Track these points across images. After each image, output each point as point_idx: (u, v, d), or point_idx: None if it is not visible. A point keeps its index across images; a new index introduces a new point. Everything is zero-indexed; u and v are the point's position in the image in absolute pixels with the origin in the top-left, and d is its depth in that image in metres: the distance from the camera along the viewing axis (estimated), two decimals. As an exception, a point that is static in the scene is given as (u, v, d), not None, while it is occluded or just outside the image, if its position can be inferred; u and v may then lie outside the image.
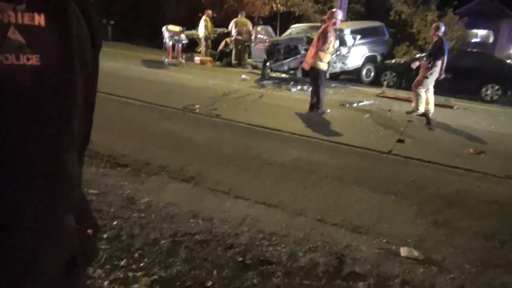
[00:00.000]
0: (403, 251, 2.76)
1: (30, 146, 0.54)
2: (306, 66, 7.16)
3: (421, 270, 2.57)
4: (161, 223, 2.84)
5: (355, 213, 3.38)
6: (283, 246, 2.69)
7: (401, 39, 16.78)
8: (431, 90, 7.64)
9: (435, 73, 7.42)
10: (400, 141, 5.84)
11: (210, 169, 4.04)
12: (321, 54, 6.87)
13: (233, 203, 3.36)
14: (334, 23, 6.95)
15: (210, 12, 14.22)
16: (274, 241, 2.74)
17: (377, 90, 10.35)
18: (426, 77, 7.45)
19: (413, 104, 7.81)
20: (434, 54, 7.41)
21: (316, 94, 7.14)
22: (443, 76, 7.55)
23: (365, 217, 3.31)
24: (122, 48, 14.37)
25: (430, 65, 7.39)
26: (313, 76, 7.15)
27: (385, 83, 12.04)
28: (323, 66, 7.02)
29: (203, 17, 13.88)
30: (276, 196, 3.58)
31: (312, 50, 7.04)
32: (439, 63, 7.35)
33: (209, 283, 2.20)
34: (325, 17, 7.45)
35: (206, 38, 14.10)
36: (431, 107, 7.65)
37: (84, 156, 0.80)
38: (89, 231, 0.74)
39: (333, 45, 7.27)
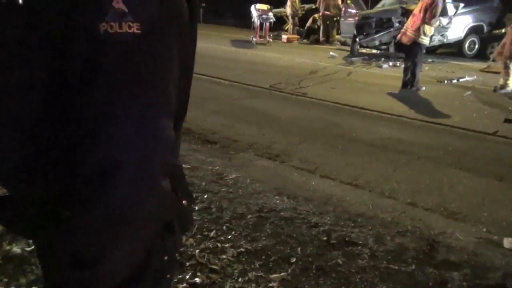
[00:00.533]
0: (507, 242, 2.50)
1: (128, 107, 0.57)
2: (406, 39, 6.50)
3: (528, 264, 2.31)
4: (248, 198, 2.93)
5: (452, 197, 3.13)
6: (369, 228, 2.61)
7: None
8: None
9: None
10: (508, 121, 5.22)
11: (296, 147, 4.05)
12: (427, 27, 6.24)
13: (318, 182, 3.34)
14: None
15: None
16: (360, 223, 2.67)
17: (482, 65, 9.31)
18: None
19: (501, 80, 6.74)
20: None
21: (412, 70, 6.62)
22: None
23: (463, 203, 3.05)
24: (213, 29, 14.86)
25: None
26: (412, 51, 6.54)
27: (492, 56, 10.77)
28: (425, 40, 6.43)
29: None
30: (364, 176, 3.47)
31: (415, 22, 6.34)
32: None
33: (293, 259, 2.23)
34: None
35: (293, 15, 13.92)
36: None
37: (182, 126, 0.82)
38: (184, 201, 0.78)
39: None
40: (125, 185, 0.57)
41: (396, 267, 2.21)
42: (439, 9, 6.19)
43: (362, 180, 3.39)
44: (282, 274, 2.11)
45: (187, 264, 2.15)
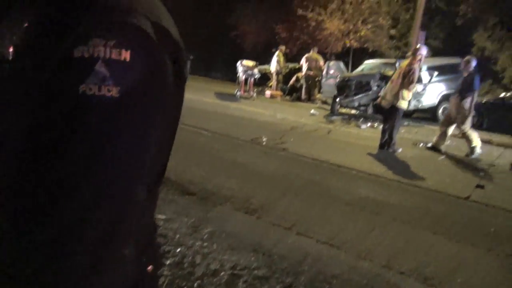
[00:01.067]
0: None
1: (98, 172, 0.56)
2: (385, 103, 6.83)
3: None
4: (222, 254, 2.87)
5: (427, 262, 3.13)
6: (345, 291, 2.57)
7: (484, 77, 15.80)
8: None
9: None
10: (480, 186, 5.38)
11: (274, 203, 4.04)
12: (405, 92, 6.56)
13: (295, 239, 3.30)
14: (419, 60, 6.65)
15: (283, 47, 14.63)
16: (335, 285, 2.62)
17: (455, 131, 9.72)
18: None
19: (467, 146, 7.16)
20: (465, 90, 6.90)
21: (389, 132, 6.86)
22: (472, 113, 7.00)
23: (438, 268, 3.05)
24: (198, 81, 15.22)
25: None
26: (391, 114, 6.81)
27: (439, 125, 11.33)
28: (404, 104, 6.72)
29: (276, 52, 14.30)
30: (340, 236, 3.46)
31: (394, 87, 6.71)
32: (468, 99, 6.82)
33: (265, 322, 2.15)
34: (409, 53, 7.18)
35: (277, 73, 14.46)
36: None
37: (159, 188, 0.80)
38: (150, 267, 0.74)
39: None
40: (84, 253, 0.55)
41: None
42: (416, 76, 6.55)
43: (338, 240, 3.37)
44: (253, 338, 2.02)
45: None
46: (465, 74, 7.06)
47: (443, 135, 7.30)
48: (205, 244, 2.99)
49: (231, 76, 15.75)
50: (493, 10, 16.77)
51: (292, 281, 2.60)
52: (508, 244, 3.62)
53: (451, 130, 7.28)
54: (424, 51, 6.70)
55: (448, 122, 7.26)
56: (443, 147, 7.31)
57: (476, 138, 6.99)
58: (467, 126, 6.98)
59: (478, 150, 6.97)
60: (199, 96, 11.18)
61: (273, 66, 14.40)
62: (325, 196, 4.41)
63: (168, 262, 2.64)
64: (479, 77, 7.01)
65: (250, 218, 3.66)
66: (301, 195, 4.36)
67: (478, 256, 3.36)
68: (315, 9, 17.16)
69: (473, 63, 6.94)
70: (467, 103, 6.87)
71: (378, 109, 10.34)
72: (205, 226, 3.29)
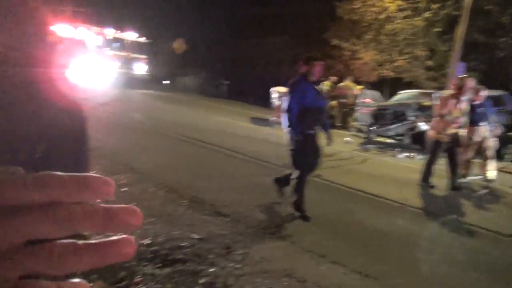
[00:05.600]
0: None
1: None
2: (432, 134, 6.44)
3: None
4: (255, 277, 2.84)
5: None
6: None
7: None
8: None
9: None
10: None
11: (308, 229, 3.98)
12: (443, 123, 6.19)
13: (328, 267, 3.23)
14: (463, 92, 6.21)
15: (335, 78, 14.50)
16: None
17: (499, 165, 9.33)
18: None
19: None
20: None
21: (427, 163, 6.61)
22: None
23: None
24: (234, 105, 15.48)
25: None
26: (434, 146, 6.39)
27: (509, 157, 10.84)
28: (445, 137, 6.32)
29: (325, 82, 14.12)
30: (376, 267, 3.35)
31: (436, 119, 6.41)
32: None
33: None
34: (452, 83, 6.99)
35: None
36: None
37: None
38: None
39: (459, 115, 6.46)
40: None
41: None
42: (452, 105, 6.31)
43: (373, 271, 3.27)
44: None
45: None
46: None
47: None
48: (238, 266, 2.98)
49: (265, 102, 15.96)
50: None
51: (326, 309, 2.53)
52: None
53: (488, 162, 7.05)
54: (471, 82, 6.46)
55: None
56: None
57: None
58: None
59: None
60: (235, 120, 11.37)
61: None
62: (360, 225, 4.31)
63: (201, 281, 2.64)
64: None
65: (283, 243, 3.62)
66: (335, 223, 4.28)
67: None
68: (350, 39, 17.28)
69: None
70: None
71: (415, 139, 10.13)
72: (238, 248, 3.28)
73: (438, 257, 3.71)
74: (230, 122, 11.23)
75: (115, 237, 0.26)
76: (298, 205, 4.28)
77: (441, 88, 16.10)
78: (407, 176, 6.97)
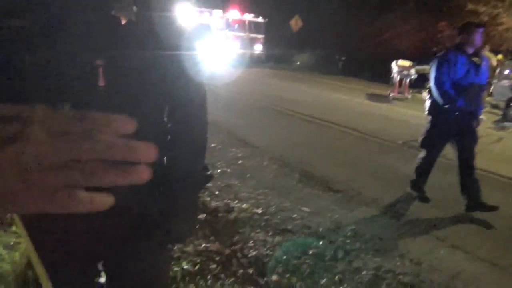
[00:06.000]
0: None
1: None
2: None
3: None
4: (366, 253, 2.80)
5: None
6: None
7: None
8: None
9: None
10: None
11: (425, 212, 3.73)
12: None
13: (448, 252, 3.00)
14: None
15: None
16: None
17: None
18: None
19: None
20: None
21: None
22: None
23: None
24: (350, 82, 15.01)
25: None
26: None
27: None
28: None
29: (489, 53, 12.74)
30: (507, 257, 2.99)
31: None
32: None
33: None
34: None
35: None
36: None
37: None
38: None
39: None
40: None
41: None
42: None
43: (504, 261, 2.93)
44: None
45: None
46: None
47: None
48: (348, 241, 2.96)
49: (383, 78, 15.05)
50: None
51: (442, 294, 2.38)
52: None
53: None
54: None
55: None
56: None
57: None
58: None
59: None
60: (350, 96, 11.04)
61: None
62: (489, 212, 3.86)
63: (310, 251, 2.71)
64: None
65: (397, 223, 3.47)
66: (458, 207, 3.91)
67: None
68: (489, 2, 15.08)
69: None
70: None
71: None
72: (349, 224, 3.25)
73: None
74: (345, 98, 10.92)
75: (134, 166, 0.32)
76: (415, 184, 4.01)
77: None
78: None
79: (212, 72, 10.66)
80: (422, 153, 3.99)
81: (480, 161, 5.55)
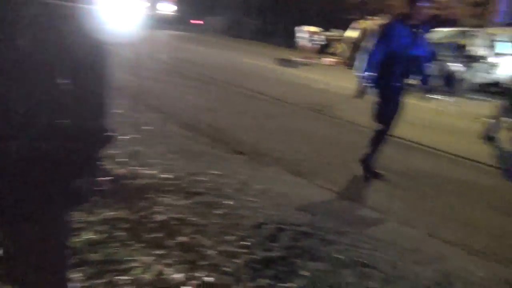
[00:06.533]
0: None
1: None
2: None
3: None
4: (269, 210, 2.99)
5: (477, 235, 3.05)
6: (387, 253, 2.60)
7: None
8: None
9: None
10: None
11: (327, 167, 4.08)
12: None
13: (341, 203, 3.36)
14: None
15: (376, 20, 13.69)
16: (377, 247, 2.66)
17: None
18: None
19: None
20: None
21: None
22: None
23: (488, 241, 2.96)
24: (257, 46, 15.19)
25: None
26: None
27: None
28: None
29: (366, 22, 13.41)
30: (388, 204, 3.45)
31: None
32: None
33: (303, 273, 2.26)
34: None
35: (356, 43, 13.71)
36: None
37: None
38: None
39: None
40: None
41: (407, 295, 2.19)
42: None
43: (385, 208, 3.37)
44: (291, 285, 2.14)
45: (202, 263, 2.23)
46: None
47: None
48: (254, 199, 3.14)
49: (293, 43, 15.50)
50: None
51: (335, 239, 2.68)
52: None
53: None
54: None
55: None
56: None
57: None
58: None
59: None
60: (257, 61, 11.22)
61: (352, 34, 13.66)
62: (377, 166, 4.35)
63: (217, 212, 2.82)
64: None
65: (300, 180, 3.74)
66: (354, 162, 4.33)
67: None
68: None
69: None
70: None
71: (446, 80, 9.70)
72: (254, 184, 3.43)
73: (450, 193, 3.76)
74: (256, 63, 11.10)
75: None
76: (367, 161, 3.95)
77: (480, 26, 15.02)
78: (439, 120, 6.84)
79: (116, 32, 10.00)
80: (378, 127, 3.94)
81: (365, 117, 6.14)
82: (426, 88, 3.94)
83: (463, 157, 5.02)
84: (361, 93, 3.79)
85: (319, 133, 5.34)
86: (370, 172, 3.96)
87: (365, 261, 2.45)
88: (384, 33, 3.61)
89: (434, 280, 2.36)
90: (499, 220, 3.41)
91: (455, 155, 5.08)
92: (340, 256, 2.48)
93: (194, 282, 2.07)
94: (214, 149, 4.11)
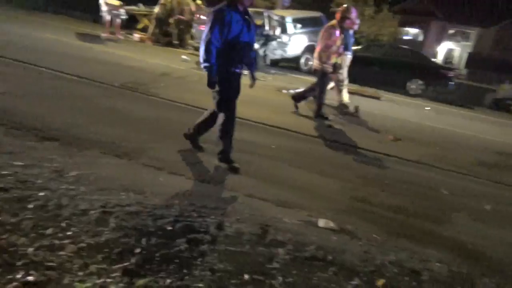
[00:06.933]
0: (321, 222, 3.04)
1: None
2: (318, 65, 6.44)
3: (335, 238, 2.86)
4: (91, 195, 2.85)
5: (284, 189, 3.61)
6: (212, 217, 2.84)
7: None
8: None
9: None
10: (330, 126, 6.23)
11: (146, 146, 4.06)
12: (323, 54, 6.32)
13: (166, 178, 3.43)
14: (345, 21, 6.38)
15: None
16: (203, 213, 2.88)
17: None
18: None
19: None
20: None
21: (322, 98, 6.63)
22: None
23: (292, 193, 3.55)
24: (56, 19, 13.50)
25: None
26: (322, 78, 6.51)
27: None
28: (329, 67, 6.43)
29: None
30: (210, 173, 3.71)
31: (316, 49, 6.46)
32: None
33: (137, 250, 2.28)
34: (337, 12, 6.49)
35: (159, 18, 13.55)
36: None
37: None
38: None
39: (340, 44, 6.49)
40: None
41: (233, 249, 2.47)
42: (335, 36, 6.30)
43: (208, 176, 3.63)
44: (125, 264, 2.14)
45: (19, 263, 2.00)
46: None
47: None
48: (72, 187, 2.92)
49: (96, 16, 14.32)
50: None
51: (163, 213, 2.76)
52: (347, 171, 4.37)
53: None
54: (354, 11, 6.44)
55: None
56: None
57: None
58: None
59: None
60: (58, 36, 10.01)
61: (157, 9, 13.38)
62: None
63: (30, 206, 2.53)
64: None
65: (120, 161, 3.63)
66: (173, 138, 4.44)
67: (322, 182, 3.99)
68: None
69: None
70: None
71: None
72: (71, 171, 3.18)
73: (262, 158, 4.30)
74: (53, 38, 9.85)
75: None
76: (227, 155, 3.87)
77: (271, 8, 16.95)
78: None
79: None
80: (222, 118, 3.85)
81: (185, 97, 6.38)
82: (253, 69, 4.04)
83: (276, 127, 5.74)
84: (214, 83, 3.72)
85: (137, 112, 5.23)
86: (197, 146, 4.23)
87: (194, 228, 2.63)
88: (219, 20, 3.51)
89: (253, 232, 2.72)
90: (302, 176, 4.10)
91: (269, 125, 5.77)
92: (170, 228, 2.59)
93: (13, 285, 1.85)
94: (15, 138, 3.57)
